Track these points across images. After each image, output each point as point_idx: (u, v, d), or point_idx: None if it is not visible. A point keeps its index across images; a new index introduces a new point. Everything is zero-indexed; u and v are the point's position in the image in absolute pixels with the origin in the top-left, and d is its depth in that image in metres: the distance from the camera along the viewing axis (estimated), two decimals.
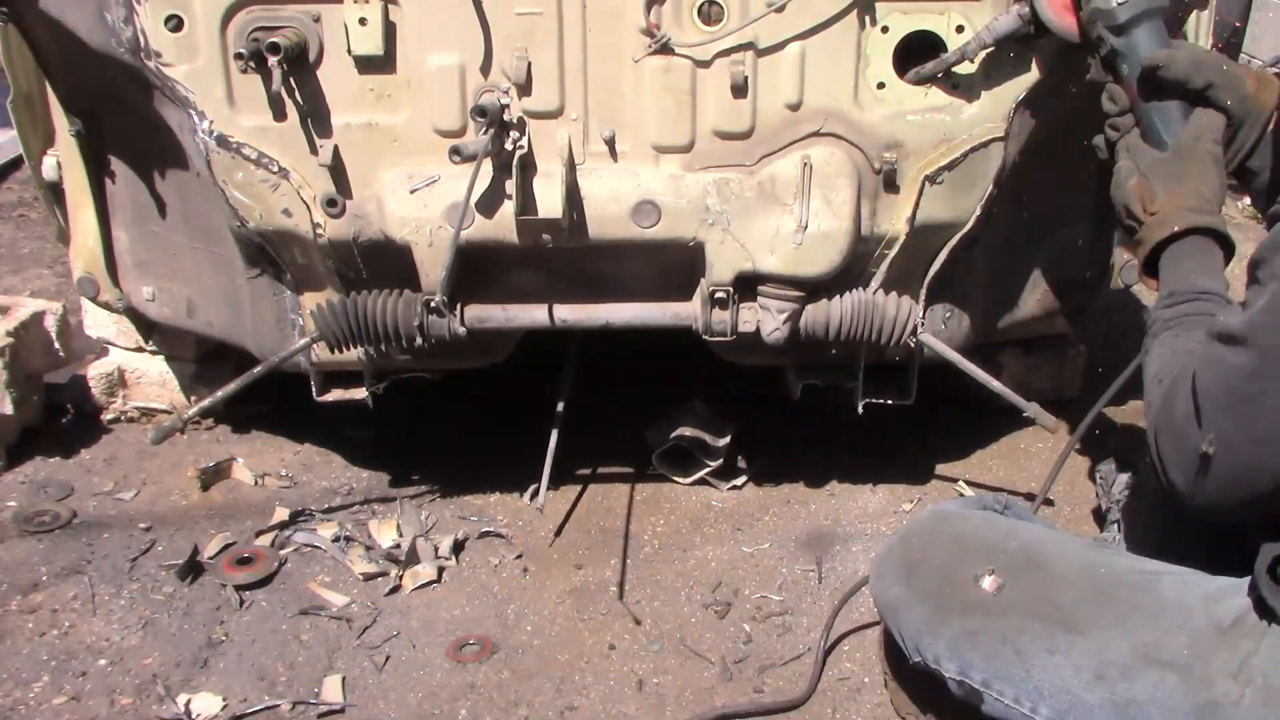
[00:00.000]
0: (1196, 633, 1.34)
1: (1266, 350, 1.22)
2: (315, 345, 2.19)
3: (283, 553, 2.31)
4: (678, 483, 2.56)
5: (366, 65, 1.96)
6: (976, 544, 1.55)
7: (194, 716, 1.89)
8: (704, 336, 2.17)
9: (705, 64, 1.97)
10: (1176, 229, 1.52)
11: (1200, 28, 2.40)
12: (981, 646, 1.46)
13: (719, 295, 2.10)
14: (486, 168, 1.96)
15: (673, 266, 2.13)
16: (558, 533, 2.41)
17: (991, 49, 1.94)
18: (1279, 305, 1.22)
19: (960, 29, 1.95)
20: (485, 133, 1.90)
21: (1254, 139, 1.58)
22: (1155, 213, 1.55)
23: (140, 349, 2.72)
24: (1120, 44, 1.63)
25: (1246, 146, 1.60)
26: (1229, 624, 1.33)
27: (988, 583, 1.48)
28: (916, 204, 2.04)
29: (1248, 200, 4.49)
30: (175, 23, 1.92)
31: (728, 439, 2.52)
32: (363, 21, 1.92)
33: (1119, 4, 1.59)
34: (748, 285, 2.11)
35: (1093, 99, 2.17)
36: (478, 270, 2.12)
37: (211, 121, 1.99)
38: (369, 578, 2.24)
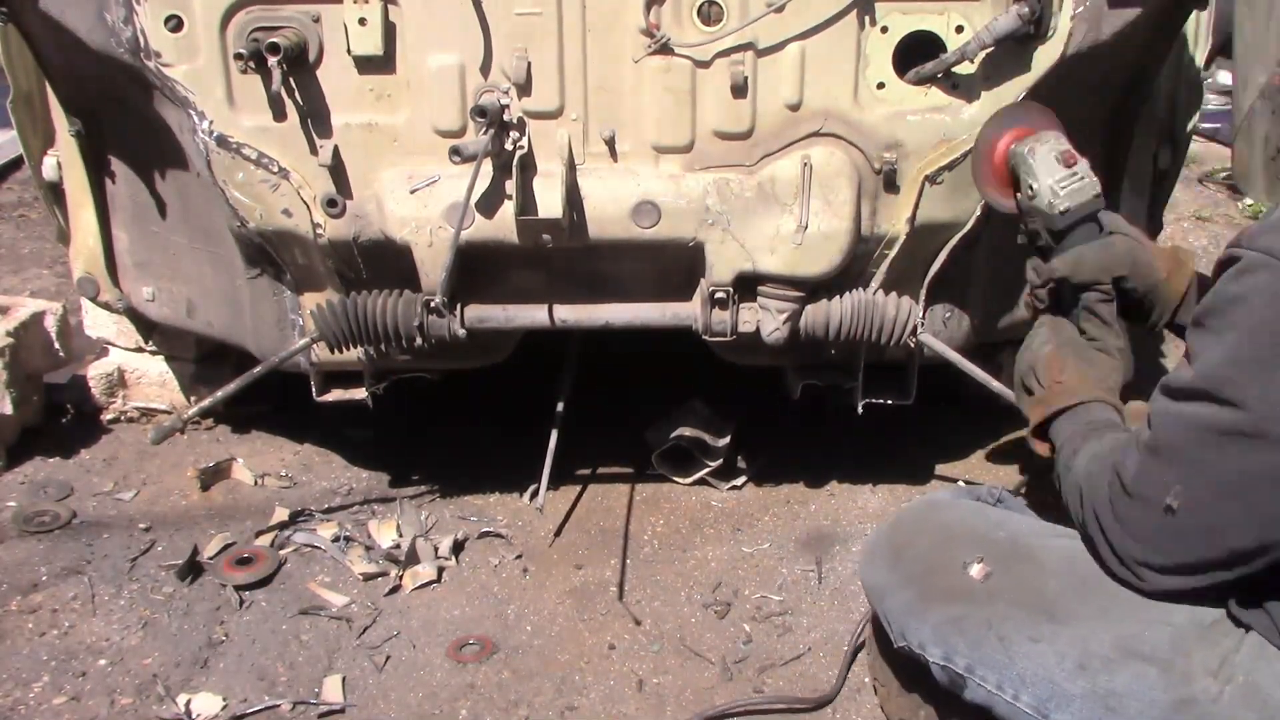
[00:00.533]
0: (1178, 628, 1.35)
1: (1217, 401, 1.23)
2: (315, 345, 2.19)
3: (283, 553, 2.31)
4: (678, 483, 2.56)
5: (366, 65, 1.96)
6: (965, 532, 1.56)
7: (194, 717, 1.89)
8: (704, 336, 2.17)
9: (705, 64, 1.97)
10: (1082, 400, 1.57)
11: (1200, 28, 2.40)
12: (966, 632, 1.47)
13: (719, 295, 2.10)
14: (486, 168, 1.96)
15: (673, 267, 2.13)
16: (558, 533, 2.41)
17: (991, 49, 1.94)
18: (1226, 369, 1.22)
19: (960, 29, 1.95)
20: (485, 133, 1.90)
21: (1166, 319, 1.66)
22: (1062, 382, 1.60)
23: (140, 349, 2.73)
24: (1053, 241, 1.68)
25: (1162, 323, 1.68)
26: (1210, 621, 1.34)
27: (975, 570, 1.49)
28: (916, 204, 2.04)
29: (1248, 200, 4.49)
30: (175, 23, 1.92)
31: (728, 439, 2.52)
32: (362, 21, 1.92)
33: (1060, 213, 1.64)
34: (748, 285, 2.11)
35: (1094, 98, 2.18)
36: (478, 270, 2.12)
37: (211, 121, 1.99)
38: (369, 578, 2.24)
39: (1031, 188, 1.66)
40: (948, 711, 1.64)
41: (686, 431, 2.49)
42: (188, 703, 1.92)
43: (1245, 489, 1.23)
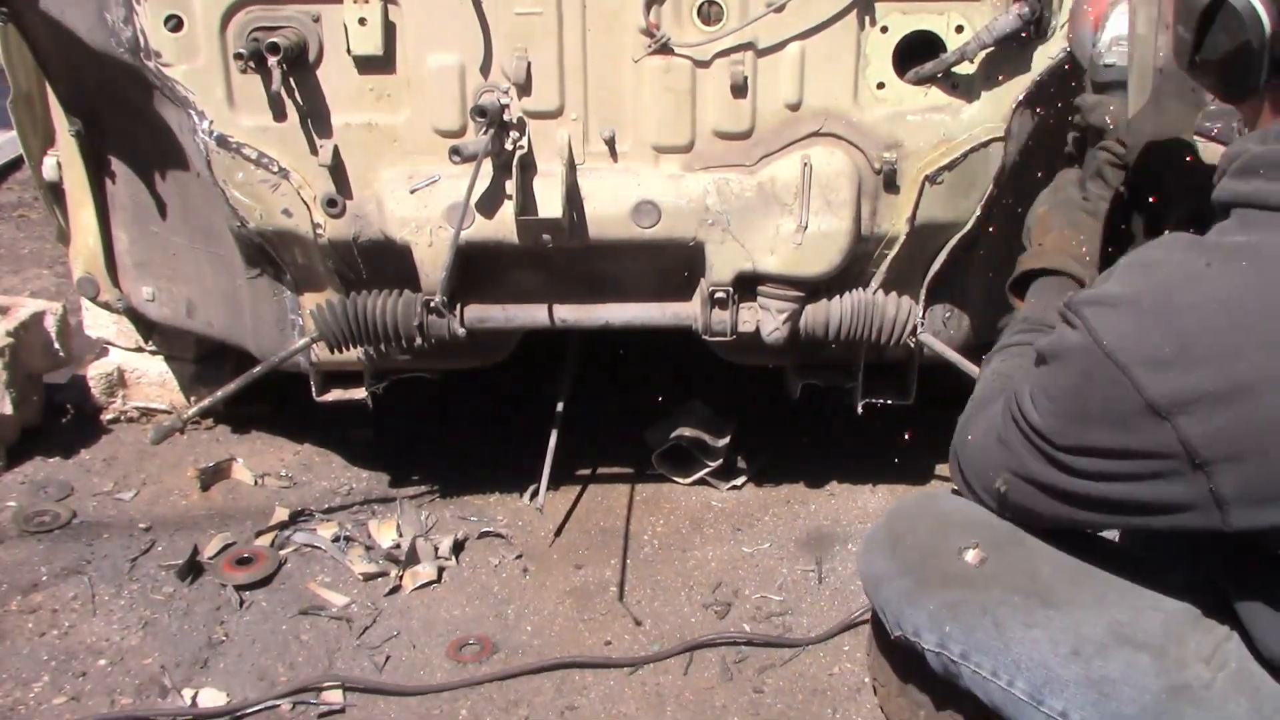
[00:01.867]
0: (1172, 615, 1.35)
1: (1035, 446, 1.31)
2: (315, 345, 2.19)
3: (283, 553, 2.31)
4: (678, 483, 2.56)
5: (366, 65, 1.96)
6: (962, 519, 1.56)
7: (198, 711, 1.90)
8: (704, 336, 2.17)
9: (705, 64, 1.97)
10: (1049, 266, 1.64)
11: None
12: (961, 618, 1.46)
13: (719, 295, 2.10)
14: (486, 168, 1.96)
15: (673, 266, 2.13)
16: (558, 533, 2.41)
17: (991, 49, 1.94)
18: (1046, 423, 1.28)
19: (960, 29, 1.95)
20: (485, 133, 1.90)
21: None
22: (1043, 245, 1.66)
23: (140, 349, 2.72)
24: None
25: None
26: (1205, 608, 1.34)
27: (971, 555, 1.49)
28: (916, 204, 2.04)
29: None
30: (175, 23, 1.92)
31: (727, 439, 2.52)
32: (362, 21, 1.92)
33: (1104, 65, 1.67)
34: (748, 285, 2.11)
35: None
36: (478, 270, 2.12)
37: (211, 121, 1.99)
38: (369, 578, 2.23)
39: (1098, 38, 1.67)
40: (944, 703, 1.64)
41: (686, 431, 2.49)
42: (194, 696, 1.92)
43: (1060, 501, 1.31)
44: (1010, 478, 1.37)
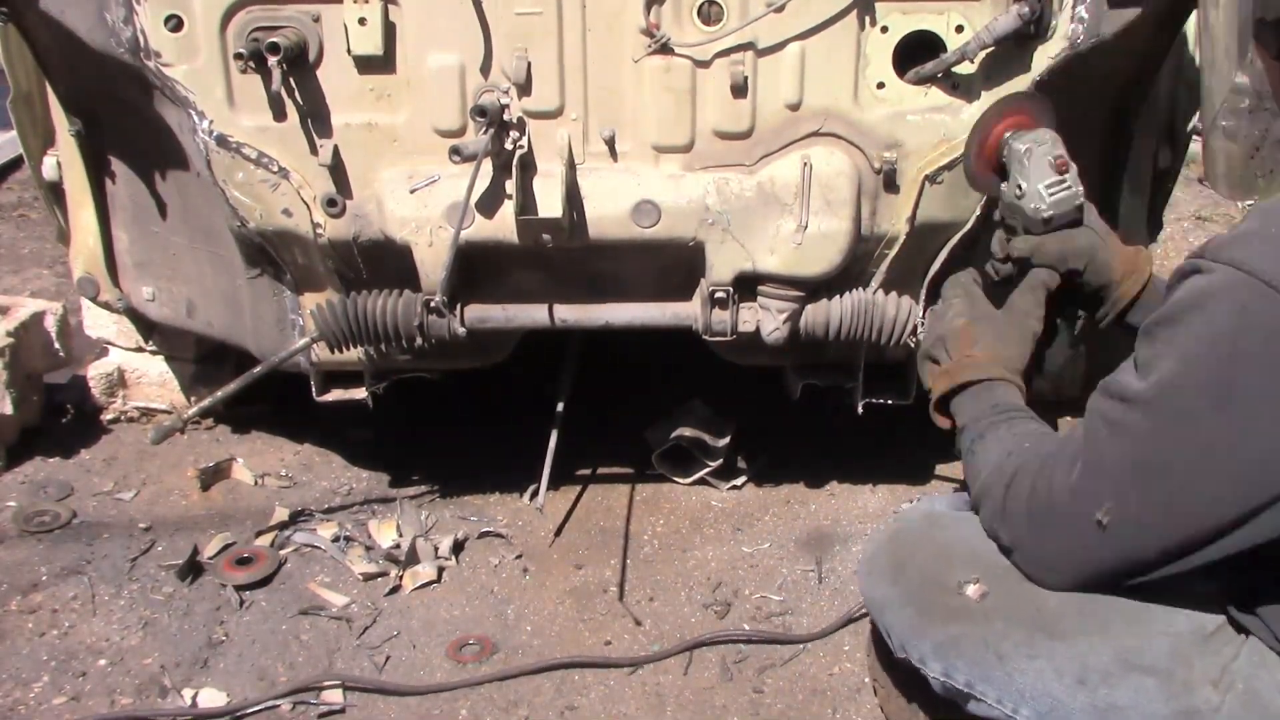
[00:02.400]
0: (1178, 639, 1.34)
1: (1168, 416, 1.22)
2: (315, 345, 2.19)
3: (283, 553, 2.32)
4: (678, 483, 2.56)
5: (366, 65, 1.96)
6: (963, 550, 1.55)
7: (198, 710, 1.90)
8: (704, 336, 2.17)
9: (705, 64, 1.96)
10: (990, 377, 1.64)
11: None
12: (965, 652, 1.47)
13: (719, 295, 2.10)
14: (486, 168, 1.96)
15: (673, 266, 2.13)
16: (558, 533, 2.41)
17: (991, 49, 1.94)
18: (1182, 381, 1.21)
19: (960, 29, 1.95)
20: (485, 133, 1.90)
21: (1112, 317, 1.73)
22: (971, 356, 1.68)
23: (140, 349, 2.72)
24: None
25: (1108, 319, 1.74)
26: (1211, 630, 1.34)
27: (972, 590, 1.48)
28: (916, 204, 2.04)
29: (1249, 201, 4.49)
30: (175, 23, 1.92)
31: (728, 439, 2.52)
32: (362, 21, 1.92)
33: (1043, 219, 1.69)
34: (748, 285, 2.11)
35: (1094, 98, 2.18)
36: (478, 270, 2.12)
37: (211, 121, 1.99)
38: (369, 578, 2.24)
39: (1020, 187, 1.72)
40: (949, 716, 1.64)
41: (686, 431, 2.49)
42: (194, 696, 1.92)
43: (1176, 509, 1.23)
44: (1112, 505, 1.26)
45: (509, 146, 1.95)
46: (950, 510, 1.70)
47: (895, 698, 1.79)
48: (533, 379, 2.63)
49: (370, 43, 1.93)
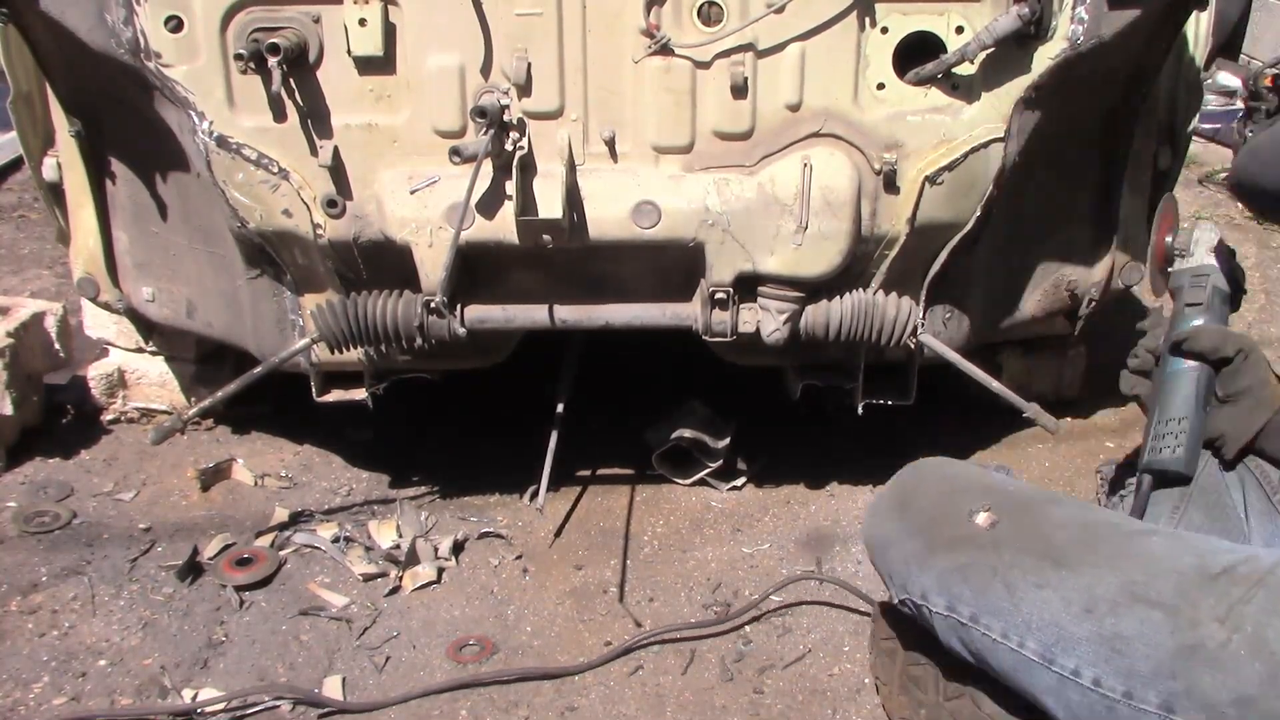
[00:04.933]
0: (1184, 576, 1.34)
1: None
2: (315, 346, 2.19)
3: (282, 553, 2.31)
4: (677, 483, 2.56)
5: (366, 66, 1.96)
6: (972, 483, 1.55)
7: (199, 710, 1.90)
8: (704, 337, 2.17)
9: (705, 65, 1.97)
10: None
11: (1200, 28, 2.40)
12: (971, 580, 1.46)
13: (719, 296, 2.10)
14: (486, 168, 1.96)
15: (673, 267, 2.13)
16: (558, 533, 2.41)
17: (991, 49, 1.94)
18: None
19: (960, 30, 1.95)
20: (485, 133, 1.90)
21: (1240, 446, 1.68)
22: None
23: (140, 350, 2.72)
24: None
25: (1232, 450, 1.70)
26: (1218, 571, 1.34)
27: (982, 518, 1.48)
28: (916, 204, 2.04)
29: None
30: (175, 23, 1.92)
31: (727, 440, 2.52)
32: (362, 22, 1.92)
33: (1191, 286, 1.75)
34: (748, 286, 2.11)
35: (1094, 99, 2.18)
36: (478, 271, 2.12)
37: (211, 122, 1.99)
38: (369, 578, 2.24)
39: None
40: (949, 674, 1.63)
41: (686, 432, 2.49)
42: (194, 696, 1.92)
43: None
44: None
45: (509, 147, 1.96)
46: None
47: (897, 695, 1.79)
48: (533, 379, 2.63)
49: (370, 43, 1.93)
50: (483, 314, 2.15)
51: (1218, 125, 4.99)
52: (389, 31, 1.94)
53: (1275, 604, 1.30)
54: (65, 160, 2.41)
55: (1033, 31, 1.91)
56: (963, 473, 1.61)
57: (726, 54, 1.96)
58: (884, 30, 1.96)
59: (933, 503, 1.57)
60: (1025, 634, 1.41)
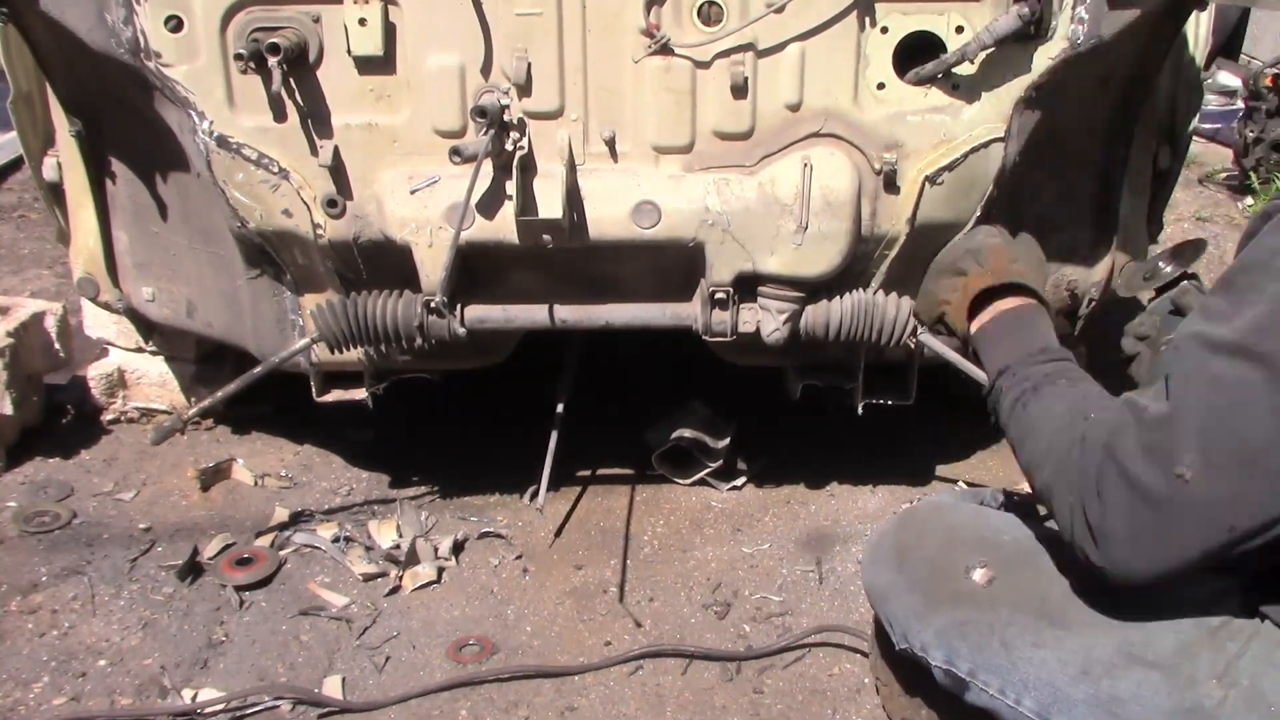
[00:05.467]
0: (1183, 633, 1.34)
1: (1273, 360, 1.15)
2: (315, 346, 2.19)
3: (282, 553, 2.32)
4: (678, 483, 2.56)
5: (366, 66, 1.96)
6: (970, 536, 1.55)
7: (199, 710, 1.89)
8: (704, 337, 2.17)
9: (705, 64, 1.96)
10: (1037, 293, 1.65)
11: (1200, 28, 2.40)
12: (969, 637, 1.46)
13: (719, 296, 2.10)
14: (487, 168, 1.96)
15: (673, 267, 2.13)
16: (558, 533, 2.41)
17: (991, 49, 1.94)
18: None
19: (960, 29, 1.95)
20: (485, 133, 1.90)
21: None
22: (1014, 269, 1.70)
23: (140, 350, 2.73)
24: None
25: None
26: (1217, 625, 1.34)
27: (979, 575, 1.48)
28: (916, 204, 2.04)
29: (1249, 200, 4.49)
30: (175, 23, 1.92)
31: (727, 440, 2.52)
32: (362, 22, 1.92)
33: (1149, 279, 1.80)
34: (748, 286, 2.11)
35: (1094, 99, 2.18)
36: (478, 271, 2.12)
37: (211, 122, 1.99)
38: (369, 578, 2.24)
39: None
40: (950, 714, 1.64)
41: (686, 432, 2.49)
42: (194, 696, 1.92)
43: (1266, 458, 1.14)
44: (1195, 457, 1.16)
45: (509, 147, 1.96)
46: (955, 501, 1.70)
47: (898, 696, 1.79)
48: (533, 379, 2.63)
49: (370, 43, 1.93)
50: (483, 314, 2.15)
51: (1218, 125, 5.00)
52: (389, 31, 1.94)
53: (1269, 655, 1.30)
54: (65, 160, 2.41)
55: (1033, 31, 1.91)
56: (960, 521, 1.60)
57: (726, 54, 1.95)
58: (884, 30, 1.95)
59: (931, 555, 1.57)
60: (1022, 692, 1.42)
